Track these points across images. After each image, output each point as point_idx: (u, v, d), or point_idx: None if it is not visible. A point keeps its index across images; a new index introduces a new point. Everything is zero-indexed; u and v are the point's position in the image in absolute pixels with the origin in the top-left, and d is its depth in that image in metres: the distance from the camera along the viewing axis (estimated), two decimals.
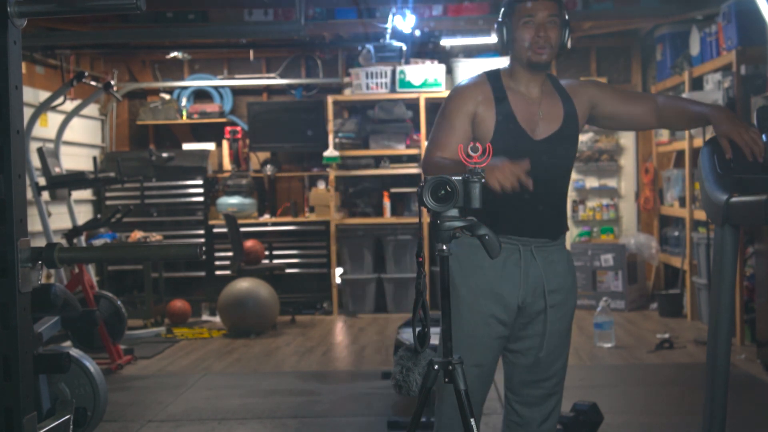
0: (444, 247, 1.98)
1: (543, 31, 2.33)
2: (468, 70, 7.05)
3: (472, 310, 2.34)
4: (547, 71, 2.44)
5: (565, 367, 2.50)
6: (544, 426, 2.47)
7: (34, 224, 5.85)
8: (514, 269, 2.34)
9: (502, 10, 2.41)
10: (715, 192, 2.28)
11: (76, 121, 6.68)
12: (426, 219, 5.51)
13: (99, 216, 6.93)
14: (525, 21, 2.33)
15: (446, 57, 7.37)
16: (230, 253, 6.89)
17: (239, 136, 7.53)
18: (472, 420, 1.96)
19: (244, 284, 6.22)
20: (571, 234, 7.67)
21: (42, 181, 5.77)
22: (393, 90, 7.04)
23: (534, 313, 2.37)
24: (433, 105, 7.32)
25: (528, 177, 2.09)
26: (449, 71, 7.17)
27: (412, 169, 7.09)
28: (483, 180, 1.97)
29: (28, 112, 5.75)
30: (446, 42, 7.05)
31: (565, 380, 2.52)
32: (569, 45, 2.46)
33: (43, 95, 6.36)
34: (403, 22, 6.13)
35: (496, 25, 2.44)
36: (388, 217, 7.18)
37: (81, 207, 7.01)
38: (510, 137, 2.32)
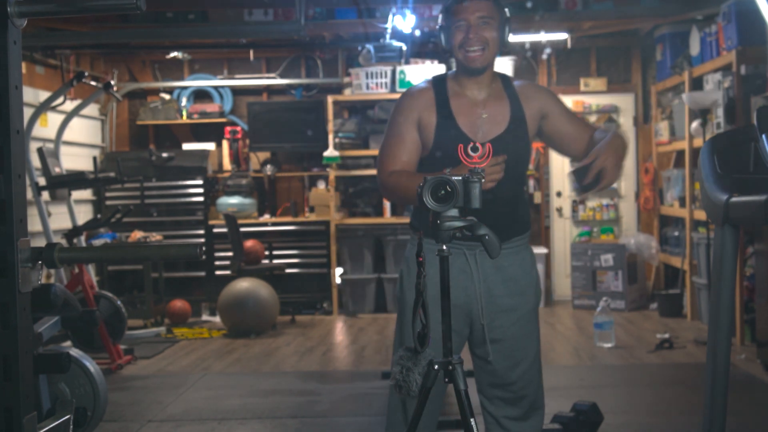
0: (444, 247, 1.98)
1: (474, 32, 2.30)
2: None
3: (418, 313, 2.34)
4: (487, 71, 2.39)
5: (534, 371, 2.42)
6: (522, 426, 2.42)
7: (34, 224, 5.85)
8: (460, 275, 2.33)
9: (440, 15, 2.42)
10: (715, 192, 2.28)
11: (76, 121, 6.68)
12: None
13: (99, 216, 6.93)
14: (457, 24, 2.32)
15: (446, 57, 7.36)
16: (230, 253, 6.89)
17: (239, 136, 7.53)
18: (472, 420, 1.96)
19: (244, 284, 6.22)
20: (572, 234, 7.68)
21: (42, 181, 5.77)
22: (393, 90, 7.04)
23: (485, 318, 2.35)
24: None
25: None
26: (449, 71, 7.16)
27: None
28: (483, 180, 1.97)
29: (28, 112, 5.75)
30: None
31: (539, 385, 2.44)
32: (507, 45, 2.42)
33: (43, 95, 6.36)
34: (403, 22, 6.13)
35: (438, 29, 2.43)
36: (388, 217, 7.18)
37: (81, 207, 7.00)
38: (450, 141, 2.29)
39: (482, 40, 2.31)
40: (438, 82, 2.43)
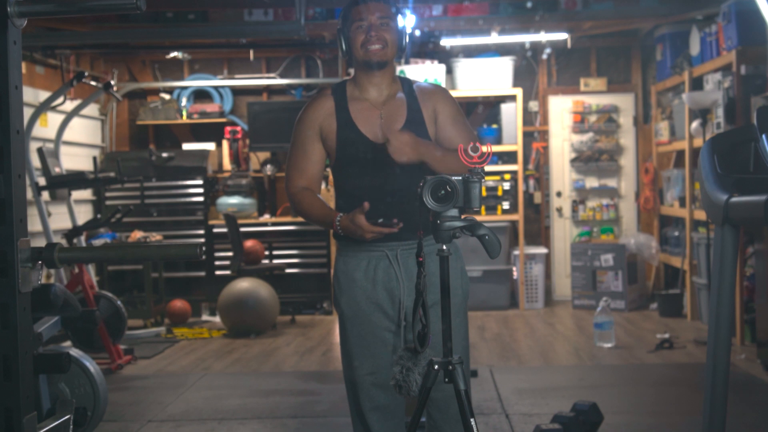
0: (444, 247, 1.98)
1: (375, 31, 2.37)
2: (468, 69, 7.05)
3: (354, 322, 2.39)
4: (386, 69, 2.44)
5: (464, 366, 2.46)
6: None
7: (34, 224, 5.85)
8: (386, 275, 2.38)
9: (339, 21, 2.46)
10: (715, 192, 2.28)
11: (76, 121, 6.68)
12: None
13: (99, 216, 6.93)
14: (357, 25, 2.38)
15: (446, 57, 7.36)
16: (230, 253, 6.89)
17: (239, 136, 7.53)
18: (472, 420, 1.96)
19: (244, 284, 6.22)
20: (572, 234, 7.68)
21: (42, 181, 5.77)
22: None
23: (409, 314, 2.38)
24: None
25: (382, 223, 2.18)
26: (449, 71, 7.17)
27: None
28: (484, 179, 1.98)
29: (28, 112, 5.75)
30: (446, 42, 7.05)
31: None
32: (405, 48, 2.50)
33: (43, 95, 6.36)
34: (403, 22, 6.12)
35: (337, 34, 2.48)
36: None
37: (81, 207, 7.01)
38: (351, 144, 2.37)
39: (382, 39, 2.38)
40: (337, 89, 2.48)
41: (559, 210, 7.72)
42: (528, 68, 7.73)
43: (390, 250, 2.37)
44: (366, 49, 2.37)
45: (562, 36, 7.04)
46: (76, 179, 5.81)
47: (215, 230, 7.32)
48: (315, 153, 2.45)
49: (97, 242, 6.47)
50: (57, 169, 5.83)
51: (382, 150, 2.32)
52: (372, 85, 2.44)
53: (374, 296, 2.38)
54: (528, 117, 7.69)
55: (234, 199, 7.30)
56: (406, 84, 2.49)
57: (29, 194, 5.54)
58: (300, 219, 7.28)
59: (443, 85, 7.04)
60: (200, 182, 7.35)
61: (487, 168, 2.11)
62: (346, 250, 2.43)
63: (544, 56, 7.69)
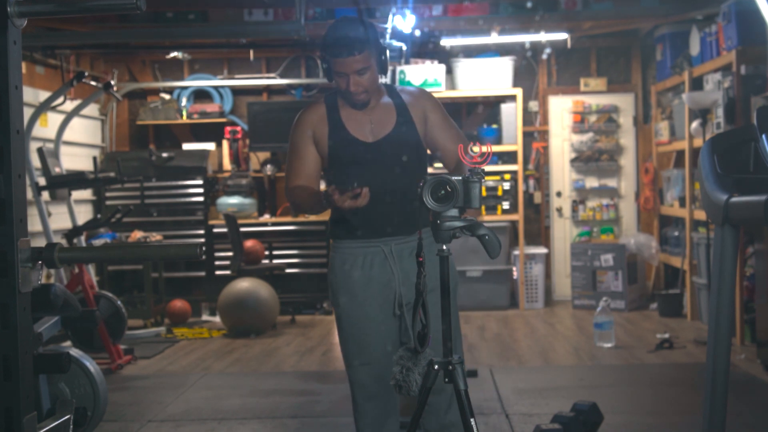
0: (444, 247, 1.98)
1: (354, 82, 2.46)
2: (468, 69, 7.05)
3: (351, 315, 2.51)
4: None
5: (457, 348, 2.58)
6: (449, 414, 2.53)
7: (34, 224, 5.85)
8: (382, 270, 2.49)
9: (320, 46, 2.55)
10: (715, 192, 2.28)
11: (76, 121, 6.68)
12: None
13: (99, 216, 6.93)
14: (338, 73, 2.47)
15: (446, 57, 7.36)
16: (230, 253, 6.89)
17: (239, 136, 7.53)
18: (472, 420, 1.96)
19: (244, 284, 6.22)
20: (572, 234, 7.68)
21: (42, 181, 5.77)
22: None
23: (412, 306, 2.45)
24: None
25: (362, 193, 2.27)
26: (449, 71, 7.17)
27: None
28: (484, 179, 1.99)
29: (28, 112, 5.75)
30: (446, 42, 7.05)
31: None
32: (387, 72, 2.66)
33: (43, 95, 6.36)
34: (403, 22, 6.13)
35: (321, 57, 2.60)
36: None
37: (81, 207, 7.00)
38: (342, 145, 2.51)
39: (363, 86, 2.47)
40: (329, 97, 2.61)
41: (559, 210, 7.72)
42: (528, 68, 7.73)
43: (385, 245, 2.50)
44: (350, 94, 2.49)
45: (562, 36, 7.03)
46: (76, 179, 5.81)
47: (215, 230, 7.32)
48: (309, 156, 2.57)
49: (97, 242, 6.47)
50: (57, 169, 5.83)
51: (372, 151, 2.48)
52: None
53: (370, 290, 2.48)
54: (528, 117, 7.69)
55: (234, 199, 7.30)
56: (391, 91, 2.61)
57: (29, 194, 5.54)
58: (300, 219, 7.33)
59: (443, 85, 7.04)
60: (200, 182, 7.35)
61: (487, 168, 2.13)
62: (342, 247, 2.54)
63: (544, 56, 7.69)
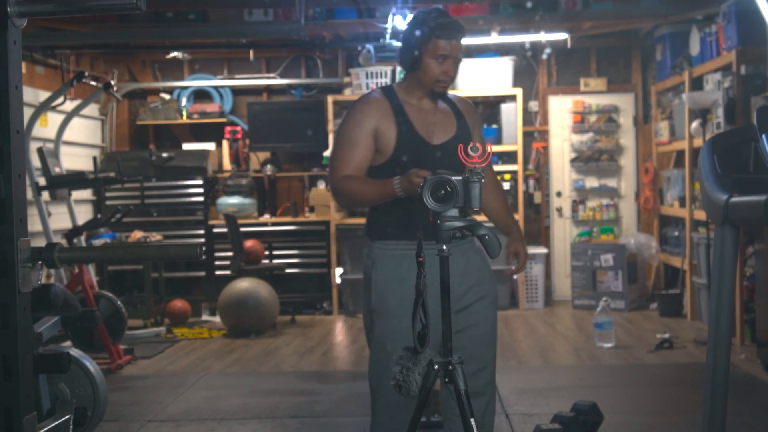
0: (444, 247, 1.98)
1: (449, 69, 2.51)
2: (468, 69, 7.05)
3: (403, 319, 2.43)
4: None
5: (492, 360, 2.60)
6: (484, 419, 2.55)
7: (34, 224, 5.85)
8: (436, 272, 2.41)
9: (418, 32, 2.52)
10: (715, 192, 2.28)
11: (76, 121, 6.68)
12: None
13: (99, 216, 6.93)
14: (441, 56, 2.49)
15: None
16: (230, 253, 6.89)
17: (239, 136, 7.53)
18: (472, 420, 1.96)
19: (244, 284, 6.22)
20: (572, 234, 7.68)
21: (42, 181, 5.77)
22: None
23: (463, 308, 2.52)
24: None
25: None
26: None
27: None
28: (484, 179, 1.99)
29: (28, 112, 5.75)
30: None
31: (494, 379, 2.62)
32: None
33: (43, 95, 6.36)
34: (403, 22, 6.13)
35: (405, 40, 2.57)
36: None
37: (81, 207, 7.00)
38: (410, 145, 2.52)
39: (452, 74, 2.54)
40: (389, 92, 2.60)
41: (559, 210, 7.72)
42: (528, 68, 7.73)
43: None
44: (437, 83, 2.52)
45: (562, 36, 7.03)
46: (76, 179, 5.81)
47: (215, 230, 7.32)
48: (365, 147, 2.52)
49: (97, 242, 6.47)
50: (57, 169, 5.83)
51: (435, 152, 2.51)
52: (424, 96, 2.60)
53: (407, 292, 2.39)
54: (528, 117, 7.69)
55: (234, 199, 7.30)
56: (444, 94, 2.66)
57: (29, 194, 5.54)
58: (300, 219, 7.32)
59: None
60: (200, 182, 7.35)
61: None
62: (382, 250, 2.55)
63: (544, 56, 7.69)
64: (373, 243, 2.60)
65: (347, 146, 2.51)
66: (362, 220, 7.18)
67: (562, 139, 7.71)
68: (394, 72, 7.02)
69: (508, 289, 7.09)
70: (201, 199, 7.36)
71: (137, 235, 6.86)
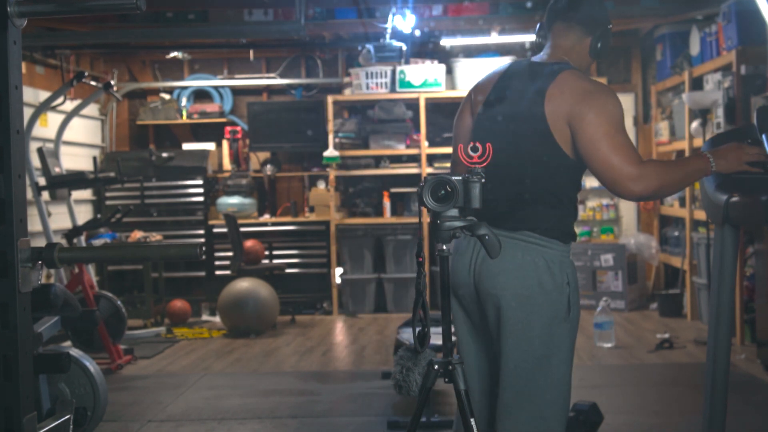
0: (444, 247, 1.98)
1: None
2: (468, 69, 7.05)
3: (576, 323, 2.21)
4: None
5: (524, 380, 2.12)
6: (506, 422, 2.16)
7: (34, 224, 5.85)
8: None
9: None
10: (715, 192, 2.28)
11: (76, 121, 6.68)
12: (426, 219, 5.52)
13: (99, 216, 6.93)
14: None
15: (446, 57, 7.36)
16: (230, 253, 6.89)
17: (239, 136, 7.53)
18: (472, 420, 1.96)
19: (244, 284, 6.22)
20: None
21: (42, 181, 5.77)
22: (393, 90, 7.04)
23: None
24: (433, 105, 7.32)
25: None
26: (449, 71, 7.17)
27: (412, 169, 7.09)
28: (484, 180, 1.97)
29: (28, 112, 5.75)
30: (446, 42, 7.05)
31: (530, 402, 2.13)
32: None
33: (43, 95, 6.36)
34: (403, 22, 6.13)
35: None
36: (388, 217, 7.18)
37: (81, 207, 7.00)
38: None
39: None
40: None
41: None
42: None
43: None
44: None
45: None
46: (76, 179, 5.81)
47: (215, 230, 7.32)
48: None
49: (97, 242, 6.47)
50: (57, 169, 5.83)
51: None
52: None
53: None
54: None
55: (234, 199, 7.30)
56: None
57: (29, 194, 5.54)
58: (300, 219, 7.32)
59: (443, 85, 7.05)
60: (200, 182, 7.35)
61: None
62: (567, 255, 2.22)
63: None
64: (565, 246, 2.19)
65: (625, 133, 2.14)
66: (362, 221, 7.18)
67: None
68: (394, 72, 7.02)
69: None
70: (201, 199, 7.36)
71: (137, 235, 6.86)
